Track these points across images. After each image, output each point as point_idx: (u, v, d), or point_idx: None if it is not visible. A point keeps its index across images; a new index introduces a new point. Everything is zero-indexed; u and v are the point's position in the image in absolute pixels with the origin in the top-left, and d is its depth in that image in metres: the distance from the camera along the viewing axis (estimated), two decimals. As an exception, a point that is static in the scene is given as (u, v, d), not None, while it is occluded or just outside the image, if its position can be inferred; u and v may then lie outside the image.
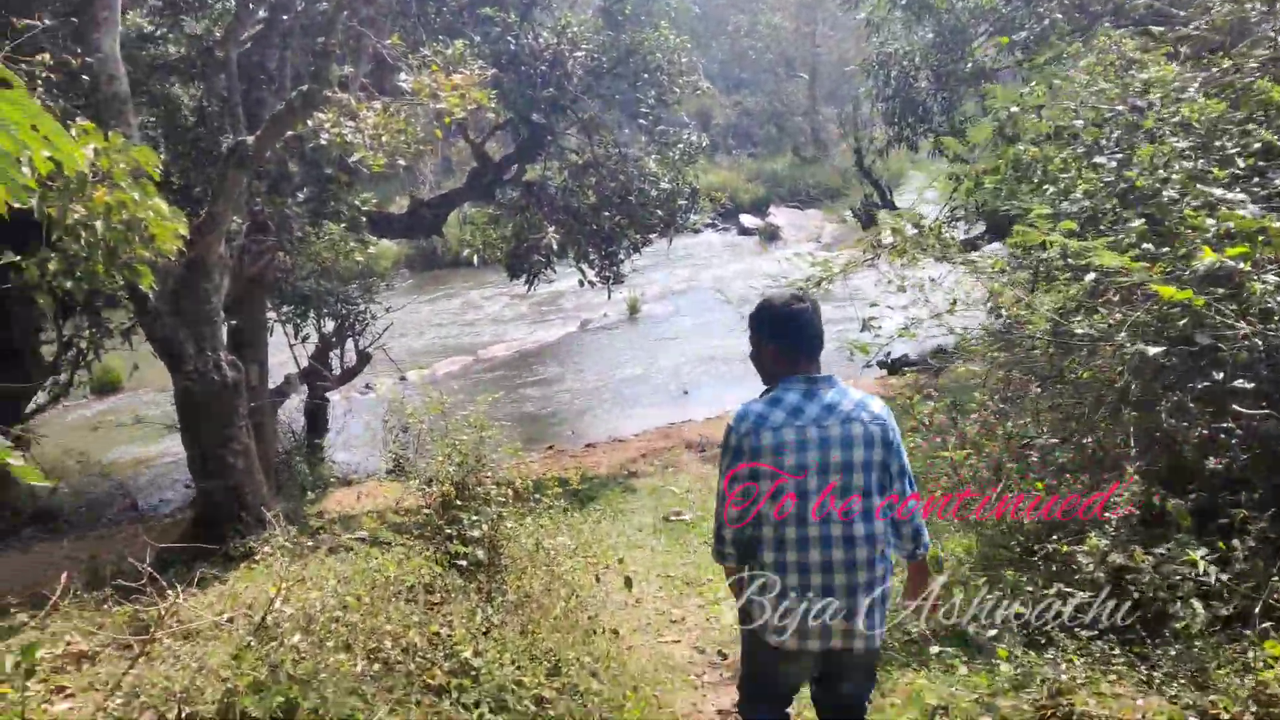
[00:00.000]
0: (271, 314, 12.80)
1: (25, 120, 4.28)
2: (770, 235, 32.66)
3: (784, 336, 3.34)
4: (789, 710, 3.69)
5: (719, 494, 3.36)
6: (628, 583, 5.81)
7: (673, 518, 9.52)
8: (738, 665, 3.83)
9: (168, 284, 8.92)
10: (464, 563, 5.15)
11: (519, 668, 4.42)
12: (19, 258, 6.04)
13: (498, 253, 14.03)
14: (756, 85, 45.38)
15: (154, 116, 11.56)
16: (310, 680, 3.71)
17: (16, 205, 5.69)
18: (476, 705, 4.08)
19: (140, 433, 14.87)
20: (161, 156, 11.46)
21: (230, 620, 4.20)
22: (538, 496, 6.07)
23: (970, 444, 5.52)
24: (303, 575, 4.35)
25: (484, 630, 4.65)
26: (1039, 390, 5.10)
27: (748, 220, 34.33)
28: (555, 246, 12.02)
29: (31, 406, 13.43)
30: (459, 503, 5.31)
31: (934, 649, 5.14)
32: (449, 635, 4.39)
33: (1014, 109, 6.31)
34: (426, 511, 5.45)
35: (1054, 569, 5.33)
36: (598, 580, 5.80)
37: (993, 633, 5.16)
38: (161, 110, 11.62)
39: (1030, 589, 5.34)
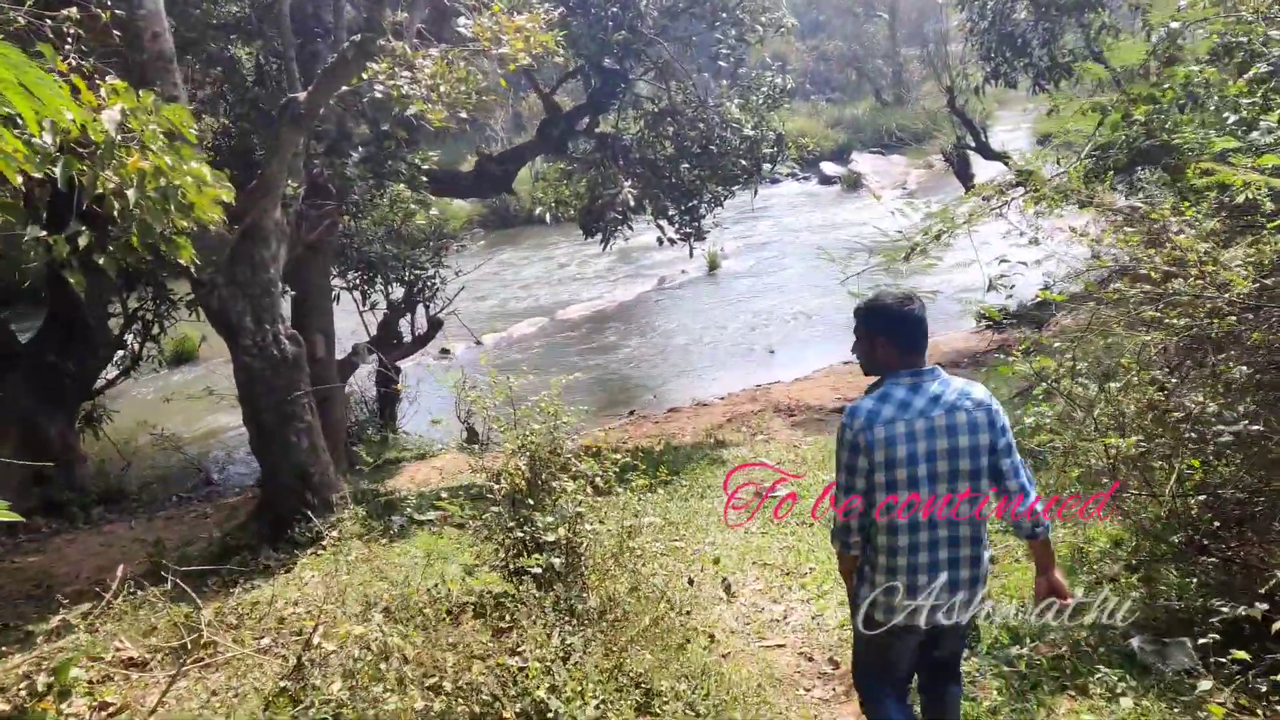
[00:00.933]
0: (337, 281, 12.29)
1: (11, 76, 3.64)
2: (853, 183, 31.40)
3: (897, 334, 3.47)
4: (913, 707, 3.86)
5: (838, 486, 3.55)
6: (727, 589, 5.09)
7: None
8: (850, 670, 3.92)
9: (222, 254, 8.38)
10: (538, 569, 4.47)
11: (603, 703, 3.73)
12: (44, 233, 5.47)
13: (571, 210, 13.28)
14: (834, 29, 43.81)
15: (212, 79, 11.02)
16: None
17: (37, 174, 5.12)
18: (555, 756, 3.41)
19: (214, 404, 14.56)
20: (222, 120, 11.04)
21: (270, 648, 3.57)
22: (619, 489, 5.37)
23: (1128, 422, 4.65)
24: (351, 591, 3.69)
25: (562, 656, 3.97)
26: (1221, 361, 4.23)
27: (829, 168, 33.06)
28: (631, 202, 11.20)
29: (101, 382, 13.16)
30: (530, 502, 4.63)
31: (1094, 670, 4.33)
32: (520, 668, 3.71)
33: (1173, 24, 5.33)
34: (496, 510, 4.78)
35: (1233, 571, 4.48)
36: (691, 583, 5.09)
37: (1161, 650, 4.34)
38: (220, 71, 11.08)
39: (1201, 595, 4.51)
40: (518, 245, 27.36)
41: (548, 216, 13.93)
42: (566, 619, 4.49)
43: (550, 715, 3.56)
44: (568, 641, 4.12)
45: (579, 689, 3.74)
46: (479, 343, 18.72)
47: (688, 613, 4.83)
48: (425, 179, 10.63)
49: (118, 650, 5.75)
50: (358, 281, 12.76)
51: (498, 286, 22.96)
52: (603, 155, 11.59)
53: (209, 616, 6.33)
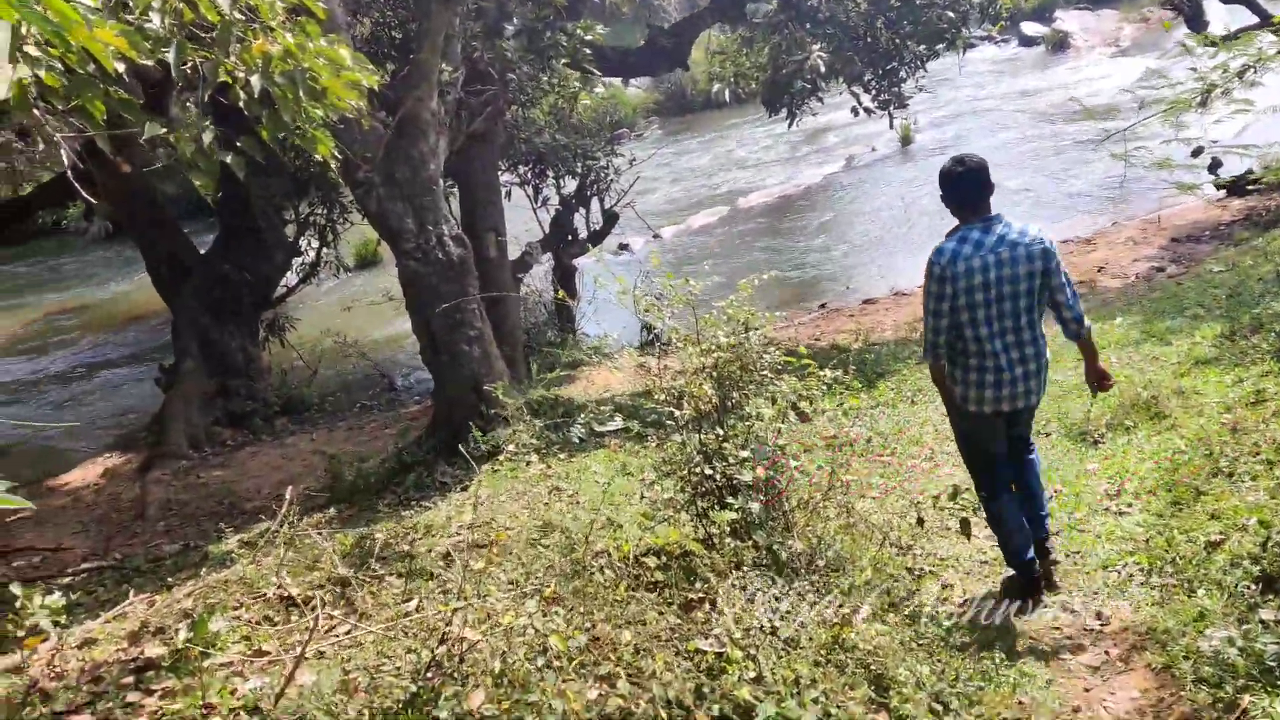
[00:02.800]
0: (506, 176, 11.60)
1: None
2: (1058, 44, 28.49)
3: (954, 193, 4.36)
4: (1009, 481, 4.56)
5: (927, 312, 4.34)
6: (965, 527, 4.14)
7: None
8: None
9: (377, 150, 7.74)
10: (733, 514, 3.62)
11: (825, 697, 2.88)
12: (165, 129, 4.86)
13: (753, 83, 12.05)
14: None
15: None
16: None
17: (146, 61, 4.47)
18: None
19: (396, 309, 14.30)
20: (380, 10, 10.37)
21: (407, 625, 2.86)
22: (828, 405, 4.42)
23: None
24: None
25: (768, 630, 3.12)
26: None
27: (1030, 29, 30.07)
28: (821, 68, 9.90)
29: (281, 290, 13.05)
30: (720, 431, 3.75)
31: None
32: (717, 654, 2.88)
33: None
34: (679, 440, 3.94)
35: None
36: (920, 524, 4.15)
37: None
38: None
39: None
40: (696, 132, 26.14)
41: (727, 94, 12.84)
42: (769, 573, 3.64)
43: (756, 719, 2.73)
44: (779, 605, 3.28)
45: (790, 675, 2.89)
46: (657, 236, 17.88)
47: (913, 566, 3.90)
48: (590, 55, 9.67)
49: (279, 588, 5.31)
50: (529, 176, 12.03)
51: (675, 176, 21.94)
52: (786, 17, 10.27)
53: (381, 538, 5.88)
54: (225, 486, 9.26)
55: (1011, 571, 4.53)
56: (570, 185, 12.32)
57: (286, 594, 5.31)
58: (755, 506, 3.60)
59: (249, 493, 8.95)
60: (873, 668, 3.16)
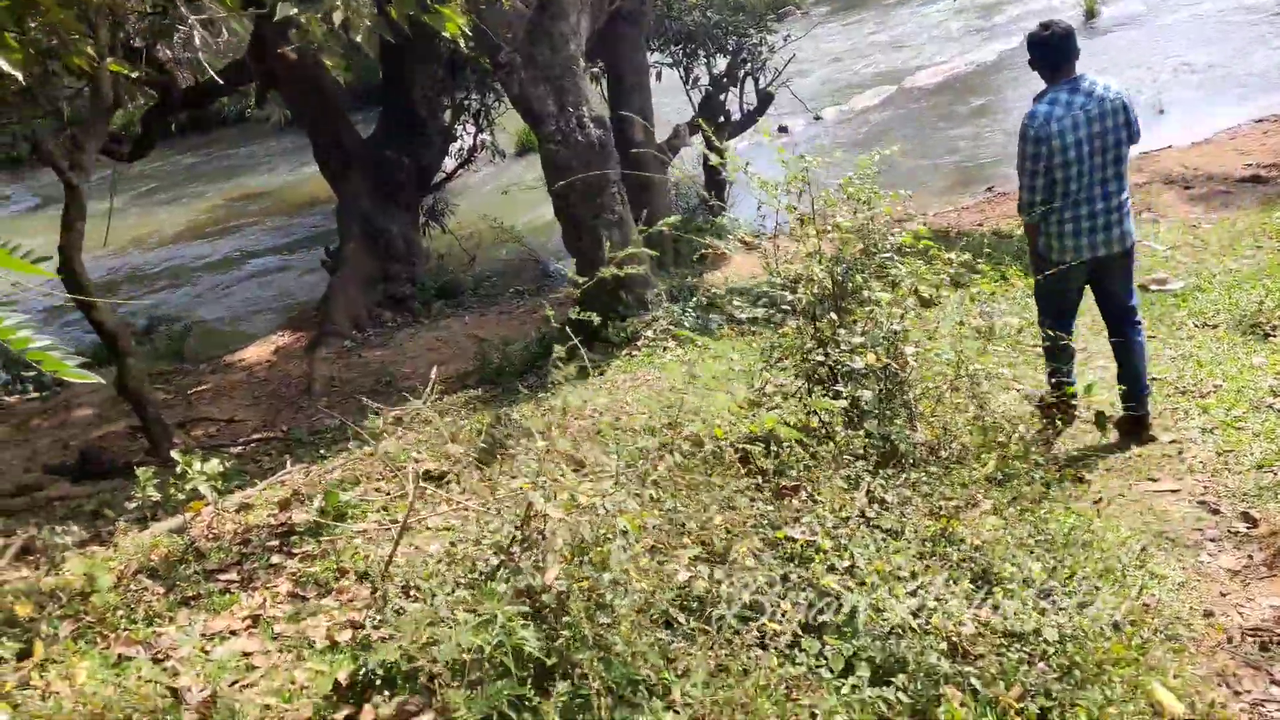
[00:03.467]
0: (656, 56, 11.36)
1: None
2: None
3: (1047, 56, 4.69)
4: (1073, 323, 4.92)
5: (1022, 170, 4.69)
6: (1099, 421, 3.90)
7: (1153, 286, 7.11)
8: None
9: (518, 30, 7.69)
10: (843, 403, 3.50)
11: (922, 589, 2.79)
12: (296, 10, 4.92)
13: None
14: None
15: None
16: (585, 622, 2.34)
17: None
18: (848, 671, 2.54)
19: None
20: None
21: (502, 502, 2.92)
22: (968, 280, 4.20)
23: None
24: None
25: (864, 518, 3.04)
26: None
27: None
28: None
29: (441, 175, 13.29)
30: (834, 317, 3.62)
31: None
32: (809, 540, 2.83)
33: None
34: (793, 325, 3.82)
35: None
36: (1057, 419, 3.95)
37: None
38: None
39: None
40: (865, 9, 24.95)
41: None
42: (882, 463, 3.53)
43: (840, 606, 2.67)
44: (883, 495, 3.18)
45: (881, 566, 2.81)
46: (818, 118, 17.32)
47: (1044, 461, 3.71)
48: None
49: (416, 461, 5.52)
50: (679, 55, 11.75)
51: (842, 54, 21.07)
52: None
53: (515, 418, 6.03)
54: (384, 366, 9.65)
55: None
56: (721, 64, 11.96)
57: (424, 469, 5.54)
58: (867, 394, 3.47)
59: (404, 373, 9.29)
60: (980, 562, 3.04)
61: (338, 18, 5.00)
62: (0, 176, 24.22)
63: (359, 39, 5.04)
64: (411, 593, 3.02)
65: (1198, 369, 5.56)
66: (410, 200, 12.38)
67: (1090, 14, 19.06)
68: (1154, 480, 4.50)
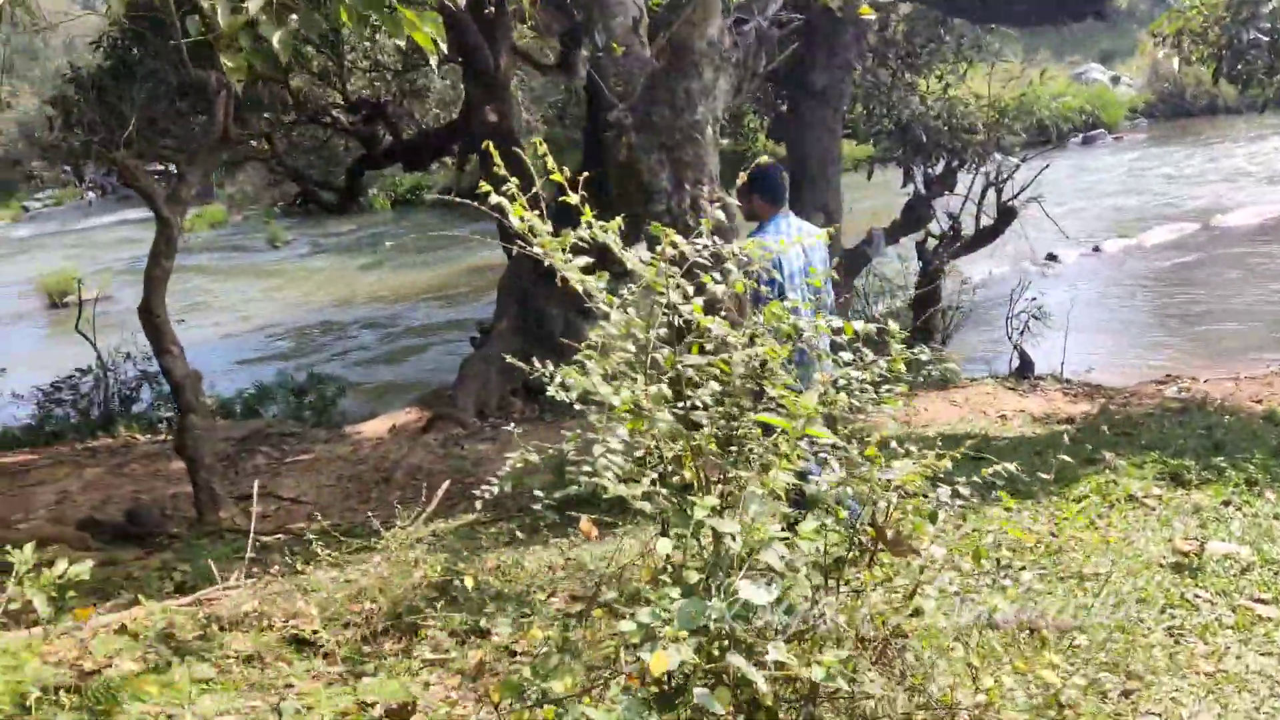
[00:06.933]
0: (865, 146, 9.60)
1: None
2: None
3: None
4: None
5: None
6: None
7: None
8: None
9: (635, 82, 6.26)
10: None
11: None
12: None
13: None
14: None
15: None
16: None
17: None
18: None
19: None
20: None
21: None
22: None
23: None
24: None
25: None
26: None
27: None
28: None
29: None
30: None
31: None
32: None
33: None
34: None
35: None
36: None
37: None
38: None
39: None
40: (1188, 138, 21.90)
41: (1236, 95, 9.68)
42: None
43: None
44: None
45: None
46: (1096, 249, 14.87)
47: None
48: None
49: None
50: (900, 152, 9.94)
51: (1134, 185, 18.34)
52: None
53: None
54: (476, 463, 8.37)
55: None
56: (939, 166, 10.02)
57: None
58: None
59: (485, 473, 7.97)
60: None
61: (253, 6, 3.76)
62: (286, 222, 25.80)
63: (274, 38, 3.77)
64: None
65: None
66: (580, 282, 11.22)
67: None
68: None
